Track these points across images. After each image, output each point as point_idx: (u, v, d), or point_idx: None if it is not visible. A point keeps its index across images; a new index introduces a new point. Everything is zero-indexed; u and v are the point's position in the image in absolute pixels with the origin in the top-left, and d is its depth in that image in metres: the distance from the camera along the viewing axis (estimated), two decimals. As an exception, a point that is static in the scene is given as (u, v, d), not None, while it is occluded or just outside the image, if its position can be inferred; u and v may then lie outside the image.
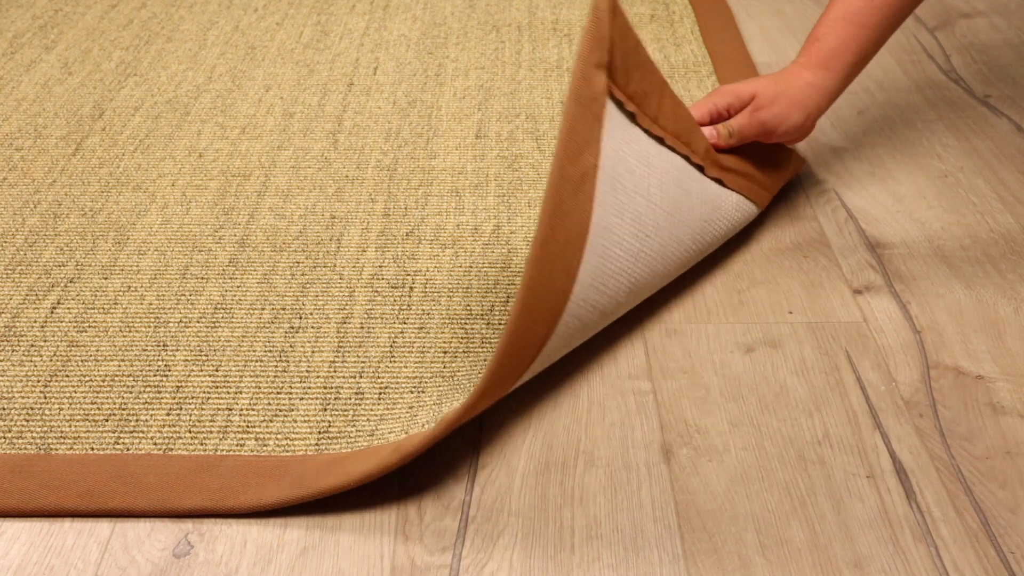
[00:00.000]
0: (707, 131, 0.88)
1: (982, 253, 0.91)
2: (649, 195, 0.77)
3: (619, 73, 0.76)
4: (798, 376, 0.78)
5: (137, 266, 0.90)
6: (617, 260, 0.75)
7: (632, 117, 0.79)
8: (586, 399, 0.76)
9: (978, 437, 0.72)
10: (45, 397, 0.76)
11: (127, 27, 1.35)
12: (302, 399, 0.76)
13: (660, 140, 0.81)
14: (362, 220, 0.96)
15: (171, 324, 0.83)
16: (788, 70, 0.90)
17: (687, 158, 0.83)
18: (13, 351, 0.81)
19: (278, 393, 0.76)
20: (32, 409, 0.75)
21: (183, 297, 0.86)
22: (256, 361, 0.79)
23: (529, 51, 1.27)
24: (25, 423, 0.74)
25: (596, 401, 0.76)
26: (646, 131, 0.80)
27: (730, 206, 0.87)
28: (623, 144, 0.77)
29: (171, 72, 1.24)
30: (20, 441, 0.73)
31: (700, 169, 0.84)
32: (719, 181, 0.86)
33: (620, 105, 0.77)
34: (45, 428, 0.74)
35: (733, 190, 0.87)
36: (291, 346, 0.81)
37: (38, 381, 0.78)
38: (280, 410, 0.75)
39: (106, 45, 1.30)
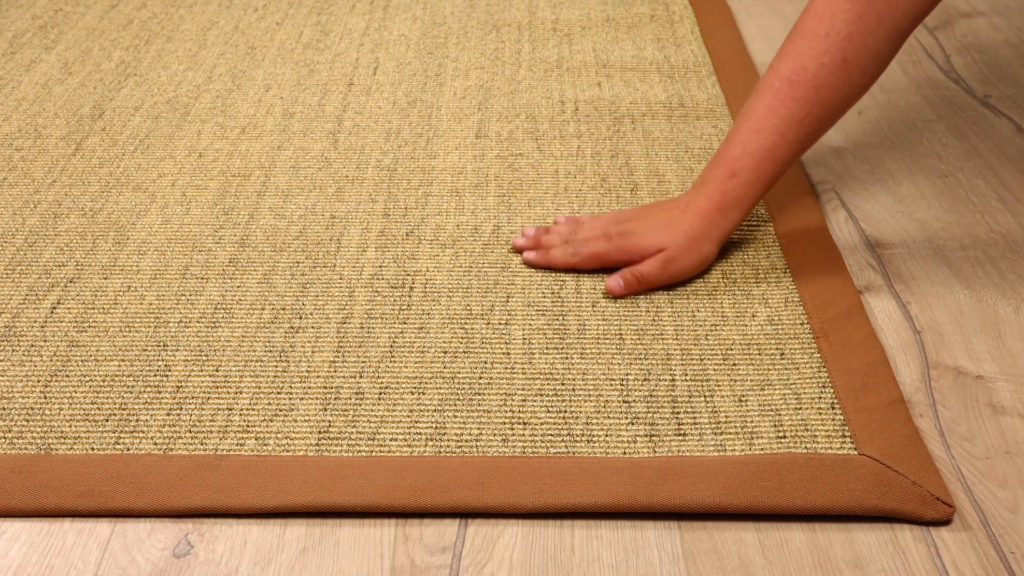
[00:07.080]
0: (612, 281, 0.84)
1: (982, 253, 0.91)
2: None
3: None
4: (798, 376, 0.78)
5: (137, 266, 0.90)
6: None
7: None
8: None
9: (978, 437, 0.72)
10: (45, 397, 0.76)
11: (127, 27, 1.35)
12: (302, 399, 0.76)
13: None
14: (362, 220, 0.95)
15: (171, 324, 0.83)
16: (699, 211, 0.84)
17: None
18: (13, 351, 0.81)
19: (278, 393, 0.76)
20: (32, 409, 0.75)
21: (183, 297, 0.86)
22: (256, 361, 0.79)
23: (529, 51, 1.27)
24: (25, 423, 0.74)
25: (596, 401, 0.76)
26: None
27: None
28: None
29: (171, 72, 1.24)
30: (20, 441, 0.73)
31: None
32: None
33: None
34: (45, 428, 0.74)
35: None
36: (291, 346, 0.81)
37: (38, 381, 0.78)
38: (280, 410, 0.75)
39: (106, 45, 1.30)
